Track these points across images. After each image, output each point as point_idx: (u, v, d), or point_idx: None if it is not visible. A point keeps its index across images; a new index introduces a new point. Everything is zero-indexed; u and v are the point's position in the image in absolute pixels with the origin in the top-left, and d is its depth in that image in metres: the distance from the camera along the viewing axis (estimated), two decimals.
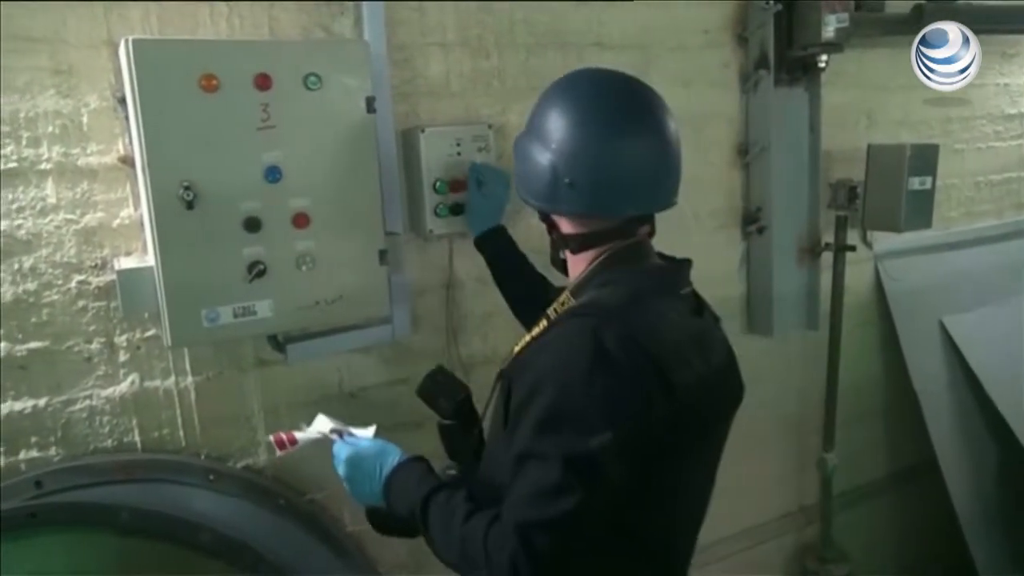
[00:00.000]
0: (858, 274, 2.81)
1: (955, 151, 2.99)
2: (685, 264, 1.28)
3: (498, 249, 1.75)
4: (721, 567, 2.64)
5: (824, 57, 2.36)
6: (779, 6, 2.30)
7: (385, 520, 1.33)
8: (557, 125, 1.17)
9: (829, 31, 2.28)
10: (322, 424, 1.40)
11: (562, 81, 1.24)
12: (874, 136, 2.66)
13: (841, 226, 2.59)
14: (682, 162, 1.23)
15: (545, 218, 1.27)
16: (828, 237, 2.60)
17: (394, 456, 1.29)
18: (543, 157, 1.18)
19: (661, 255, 1.29)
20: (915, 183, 2.45)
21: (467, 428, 1.37)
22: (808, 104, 2.49)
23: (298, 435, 1.37)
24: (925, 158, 2.48)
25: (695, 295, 1.29)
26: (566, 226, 1.24)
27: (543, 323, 1.20)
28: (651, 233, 1.28)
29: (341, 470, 1.31)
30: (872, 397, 3.01)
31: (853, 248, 2.60)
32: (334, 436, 1.36)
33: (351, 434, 1.37)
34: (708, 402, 1.18)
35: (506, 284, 1.75)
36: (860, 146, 2.56)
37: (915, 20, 2.39)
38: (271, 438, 1.37)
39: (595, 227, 1.21)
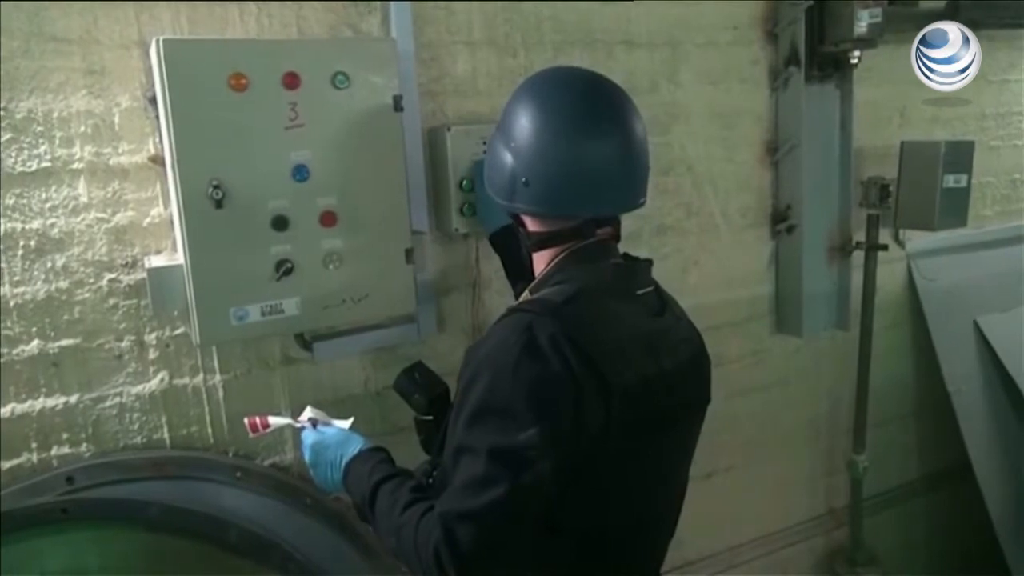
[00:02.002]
0: (890, 273, 2.76)
1: (990, 148, 2.92)
2: (643, 264, 1.27)
3: (512, 247, 1.69)
4: (748, 569, 2.61)
5: (856, 53, 2.31)
6: (810, 2, 2.26)
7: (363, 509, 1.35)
8: (517, 123, 1.18)
9: (862, 26, 2.24)
10: (307, 411, 1.42)
11: (529, 79, 1.25)
12: (907, 133, 2.61)
13: (873, 225, 2.54)
14: (648, 163, 1.22)
15: (514, 215, 1.27)
16: (859, 236, 2.56)
17: (356, 445, 1.31)
18: (503, 155, 1.19)
19: (626, 255, 1.27)
20: (950, 181, 2.40)
21: (441, 423, 1.37)
22: (840, 101, 2.46)
23: (270, 419, 1.40)
24: (960, 155, 2.42)
25: (659, 295, 1.27)
26: (530, 224, 1.24)
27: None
28: (616, 235, 1.26)
29: (306, 456, 1.35)
30: (903, 398, 2.96)
31: (885, 247, 2.55)
32: (307, 424, 1.38)
33: (327, 424, 1.39)
34: (655, 405, 1.15)
35: (518, 285, 1.71)
36: (893, 143, 2.51)
37: (951, 15, 2.34)
38: (245, 421, 1.39)
39: (554, 226, 1.21)
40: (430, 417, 1.44)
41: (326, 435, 1.35)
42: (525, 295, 1.23)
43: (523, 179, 1.16)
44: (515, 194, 1.18)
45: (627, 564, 1.22)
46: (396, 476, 1.22)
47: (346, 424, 1.39)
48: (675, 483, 1.30)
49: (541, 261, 1.25)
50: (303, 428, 1.38)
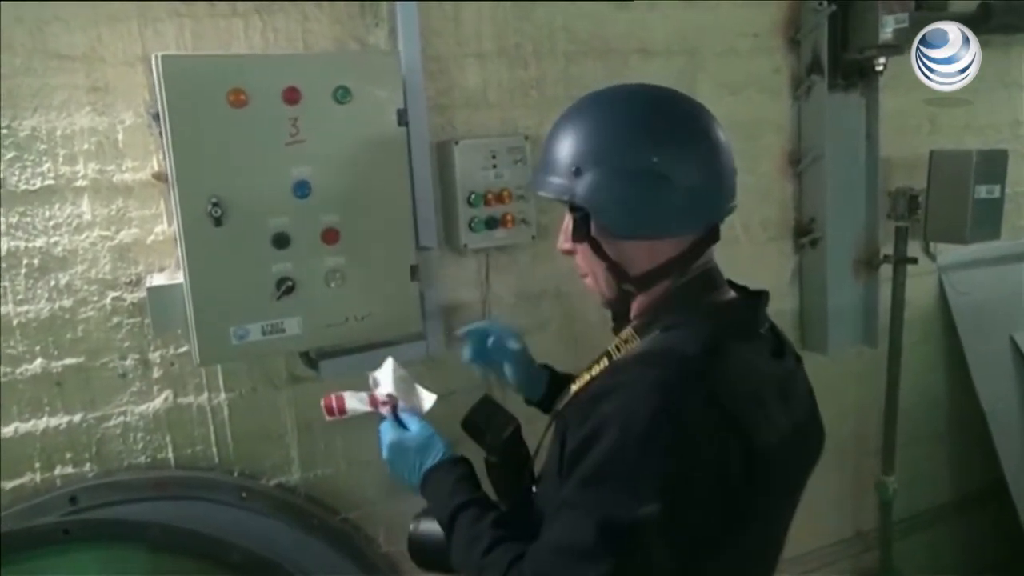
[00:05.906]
0: (920, 287, 2.67)
1: None
2: (762, 297, 1.14)
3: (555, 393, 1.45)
4: None
5: (882, 60, 2.25)
6: (833, 7, 2.20)
7: (424, 556, 1.28)
8: (650, 150, 1.05)
9: (887, 32, 2.16)
10: (387, 373, 1.30)
11: (622, 104, 1.13)
12: (937, 142, 2.52)
13: (901, 237, 2.46)
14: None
15: (613, 267, 1.12)
16: (887, 249, 2.47)
17: (437, 453, 1.22)
18: (646, 185, 1.05)
19: (731, 283, 1.15)
20: (982, 191, 2.31)
21: (515, 464, 1.28)
22: (865, 110, 2.39)
23: (348, 405, 1.28)
24: (993, 165, 2.34)
25: (774, 332, 1.15)
26: (638, 264, 1.10)
27: (603, 361, 1.11)
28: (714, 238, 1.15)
29: (384, 454, 1.26)
30: (935, 417, 2.86)
31: (914, 260, 2.46)
32: (384, 411, 1.27)
33: (409, 399, 1.29)
34: (789, 460, 1.06)
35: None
36: (922, 153, 2.42)
37: (982, 19, 2.25)
38: (321, 402, 1.29)
39: (668, 253, 1.08)
40: (500, 459, 1.28)
41: (405, 437, 1.24)
42: (628, 334, 1.10)
43: (678, 202, 1.04)
44: (668, 218, 1.05)
45: None
46: (477, 502, 1.14)
47: (431, 401, 1.29)
48: (784, 539, 1.18)
49: (645, 298, 1.12)
50: (383, 419, 1.27)
